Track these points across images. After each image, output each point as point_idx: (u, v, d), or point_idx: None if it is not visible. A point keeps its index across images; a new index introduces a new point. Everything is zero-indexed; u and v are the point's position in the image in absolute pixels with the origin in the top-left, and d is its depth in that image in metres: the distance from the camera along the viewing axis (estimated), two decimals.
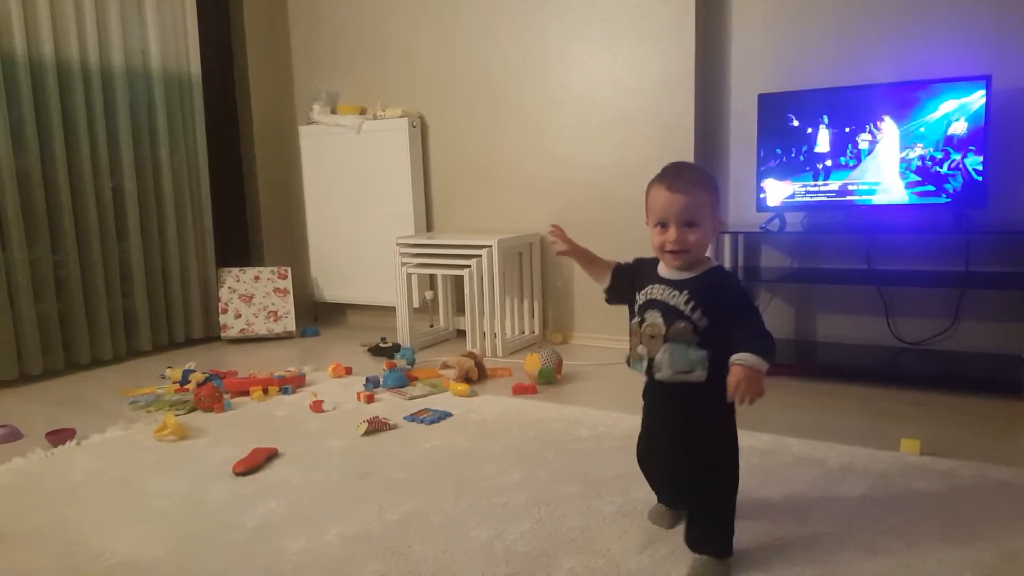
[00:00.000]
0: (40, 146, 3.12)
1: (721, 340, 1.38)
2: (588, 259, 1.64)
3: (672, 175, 1.45)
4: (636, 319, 1.49)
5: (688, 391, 1.44)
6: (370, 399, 2.64)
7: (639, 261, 1.57)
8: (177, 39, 3.65)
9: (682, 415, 1.48)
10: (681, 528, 1.57)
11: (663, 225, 1.44)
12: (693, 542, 1.48)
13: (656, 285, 1.47)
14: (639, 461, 1.67)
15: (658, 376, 1.44)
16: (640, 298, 1.49)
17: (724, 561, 1.45)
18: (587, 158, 3.39)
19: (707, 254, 1.50)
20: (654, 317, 1.45)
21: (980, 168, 2.54)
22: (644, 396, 1.59)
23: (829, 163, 2.79)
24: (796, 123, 2.82)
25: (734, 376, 1.32)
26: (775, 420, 2.31)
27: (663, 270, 1.49)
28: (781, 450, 2.04)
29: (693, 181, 1.44)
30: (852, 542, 1.53)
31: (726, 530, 1.46)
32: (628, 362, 1.52)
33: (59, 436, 2.32)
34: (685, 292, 1.43)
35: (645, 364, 1.46)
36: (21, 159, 3.07)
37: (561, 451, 2.09)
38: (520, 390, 2.71)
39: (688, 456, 1.48)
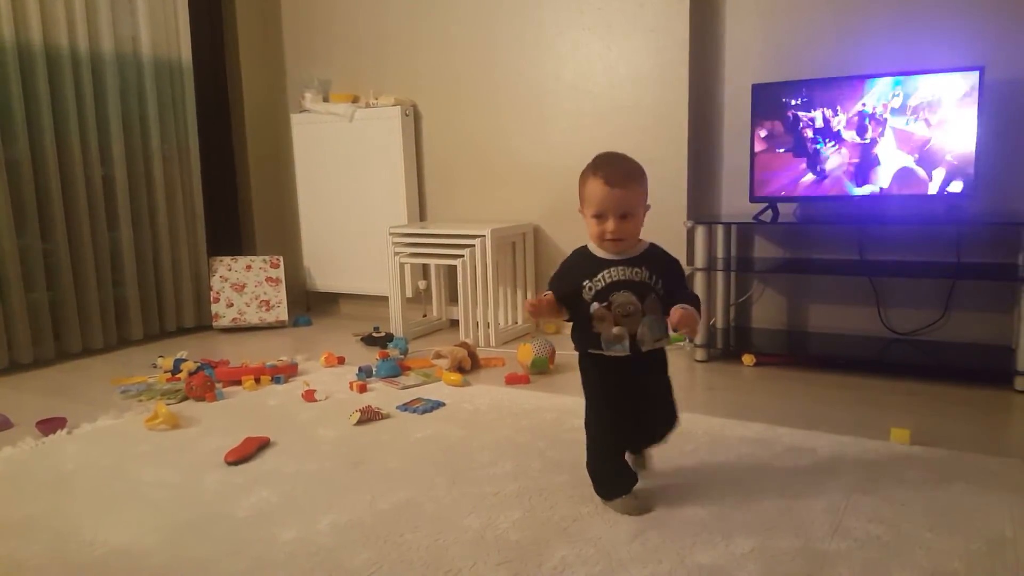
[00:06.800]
0: (29, 133, 3.09)
1: (672, 304, 1.54)
2: (552, 307, 1.64)
3: (609, 169, 1.55)
4: (599, 304, 1.56)
5: (656, 353, 1.63)
6: (363, 388, 2.64)
7: (563, 266, 1.66)
8: (168, 25, 3.62)
9: (654, 376, 1.67)
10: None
11: (600, 216, 1.56)
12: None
13: (612, 268, 1.57)
14: (613, 440, 1.67)
15: (644, 348, 1.57)
16: (595, 284, 1.57)
17: None
18: (580, 147, 3.37)
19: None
20: (625, 297, 1.55)
21: (972, 158, 2.55)
22: (608, 376, 1.63)
23: (822, 153, 2.79)
24: (789, 113, 2.82)
25: (679, 312, 1.48)
26: (766, 410, 2.32)
27: (605, 254, 1.59)
28: (772, 440, 2.04)
29: (629, 175, 1.56)
30: (842, 531, 1.54)
31: None
32: (599, 345, 1.58)
33: (50, 425, 2.31)
34: (644, 268, 1.57)
35: (627, 342, 1.57)
36: (10, 147, 3.05)
37: (553, 441, 2.10)
38: (513, 380, 2.71)
39: (660, 406, 1.68)
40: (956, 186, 2.59)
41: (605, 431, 1.67)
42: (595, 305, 1.56)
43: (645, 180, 1.60)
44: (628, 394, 1.64)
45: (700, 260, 2.90)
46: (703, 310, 2.94)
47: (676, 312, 1.49)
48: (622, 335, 1.55)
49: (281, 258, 3.96)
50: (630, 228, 1.55)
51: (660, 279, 1.57)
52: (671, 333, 1.59)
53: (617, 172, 1.54)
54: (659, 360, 1.67)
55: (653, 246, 1.63)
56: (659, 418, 1.69)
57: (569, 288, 1.60)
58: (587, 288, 1.56)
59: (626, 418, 1.66)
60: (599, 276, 1.56)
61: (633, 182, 1.55)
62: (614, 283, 1.55)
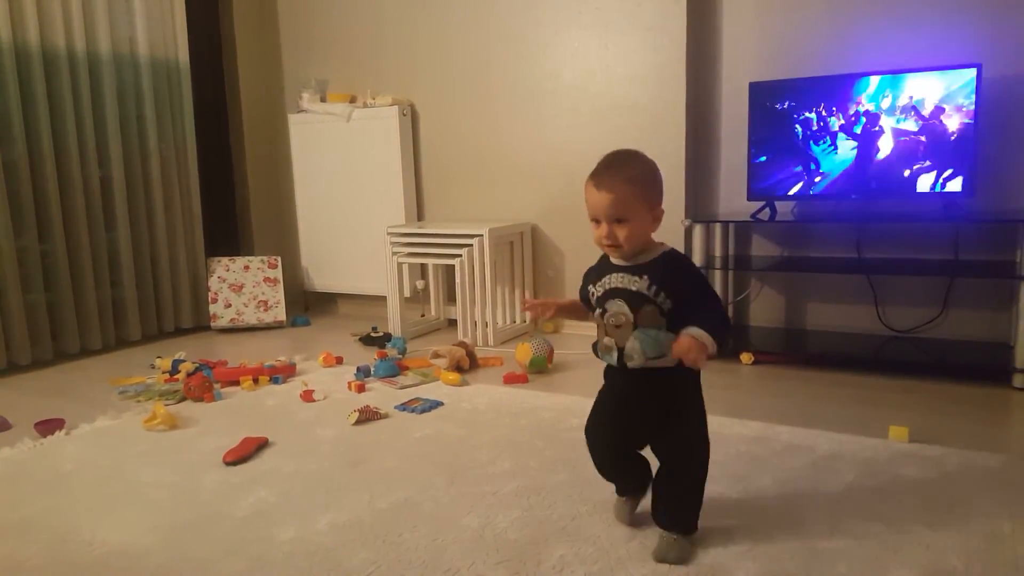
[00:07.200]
0: (26, 135, 3.08)
1: (685, 321, 1.39)
2: (572, 307, 1.64)
3: (600, 173, 1.46)
4: (597, 311, 1.50)
5: (662, 375, 1.45)
6: (361, 388, 2.64)
7: (590, 268, 1.58)
8: (165, 25, 3.61)
9: (658, 400, 1.48)
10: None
11: (596, 221, 1.47)
12: (666, 520, 1.50)
13: (613, 274, 1.47)
14: (596, 449, 1.61)
15: (631, 365, 1.45)
16: (597, 290, 1.50)
17: (690, 537, 1.49)
18: (578, 146, 3.38)
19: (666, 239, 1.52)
20: (617, 306, 1.45)
21: (970, 156, 2.55)
22: (608, 385, 1.57)
23: (819, 151, 2.79)
24: (787, 111, 2.82)
25: (682, 343, 1.34)
26: (765, 408, 2.32)
27: (616, 259, 1.50)
28: (771, 438, 2.05)
29: (619, 178, 1.44)
30: (840, 528, 1.54)
31: (696, 508, 1.50)
32: (597, 353, 1.54)
33: (48, 426, 2.31)
34: (645, 276, 1.43)
35: (615, 354, 1.47)
36: (7, 147, 3.04)
37: (552, 440, 2.10)
38: (511, 379, 2.71)
39: (665, 438, 1.50)
40: (953, 184, 2.59)
41: (594, 432, 1.61)
42: (596, 311, 1.51)
43: (647, 182, 1.46)
44: (628, 404, 1.52)
45: (698, 259, 2.89)
46: None
47: (682, 341, 1.35)
48: (610, 346, 1.47)
49: (279, 258, 3.95)
50: (626, 234, 1.42)
51: (663, 290, 1.41)
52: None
53: (606, 176, 1.44)
54: (659, 383, 1.46)
55: (669, 253, 1.47)
56: (663, 451, 1.52)
57: (582, 292, 1.59)
58: (591, 294, 1.53)
59: (623, 422, 1.56)
60: (602, 281, 1.49)
61: (627, 184, 1.42)
62: (611, 290, 1.46)
